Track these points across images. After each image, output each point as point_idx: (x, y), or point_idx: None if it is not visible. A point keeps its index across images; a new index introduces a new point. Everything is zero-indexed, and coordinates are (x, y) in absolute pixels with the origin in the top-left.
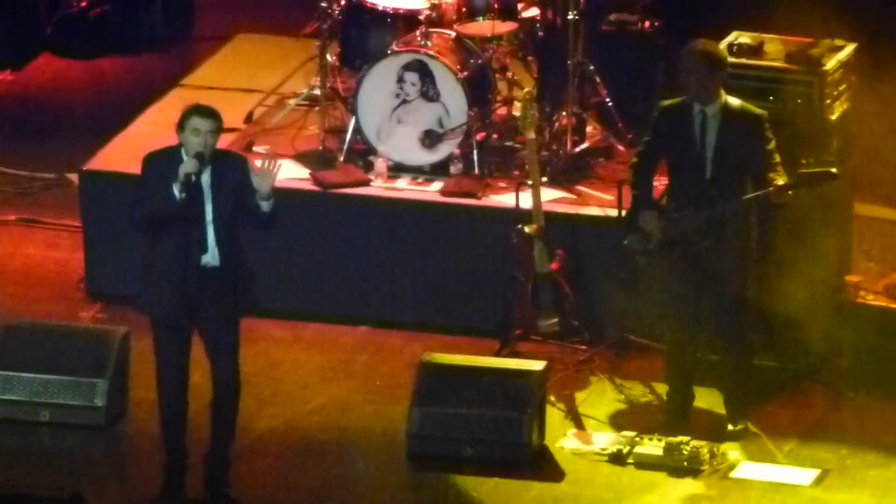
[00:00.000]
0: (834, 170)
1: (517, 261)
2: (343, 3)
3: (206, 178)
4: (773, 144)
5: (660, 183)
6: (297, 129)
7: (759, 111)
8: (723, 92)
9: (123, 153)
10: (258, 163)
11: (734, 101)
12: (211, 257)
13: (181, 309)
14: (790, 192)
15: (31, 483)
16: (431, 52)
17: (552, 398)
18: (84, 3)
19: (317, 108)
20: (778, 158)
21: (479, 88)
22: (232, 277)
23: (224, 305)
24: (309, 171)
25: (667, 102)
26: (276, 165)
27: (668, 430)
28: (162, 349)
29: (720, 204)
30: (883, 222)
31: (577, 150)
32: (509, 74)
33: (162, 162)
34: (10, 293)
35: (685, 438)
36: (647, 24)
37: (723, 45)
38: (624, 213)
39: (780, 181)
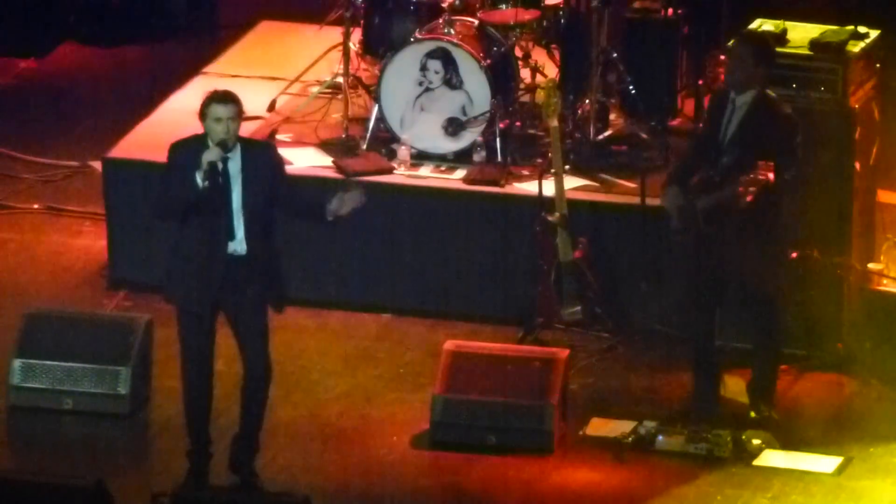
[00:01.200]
0: (772, 176)
1: (540, 249)
2: None
3: (233, 166)
4: (792, 146)
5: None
6: (321, 117)
7: (788, 112)
8: (764, 88)
9: (146, 141)
10: (349, 195)
11: (771, 97)
12: (238, 246)
13: (205, 296)
14: (749, 199)
15: (54, 471)
16: (454, 40)
17: (575, 386)
18: None
19: (340, 96)
20: (792, 161)
21: (502, 76)
22: (260, 266)
23: (252, 293)
24: (332, 158)
25: (721, 84)
26: (362, 201)
27: (694, 418)
28: (186, 336)
29: (718, 192)
30: None
31: (601, 137)
32: (532, 62)
33: (187, 150)
34: (34, 281)
35: (707, 427)
36: (670, 11)
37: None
38: (649, 200)
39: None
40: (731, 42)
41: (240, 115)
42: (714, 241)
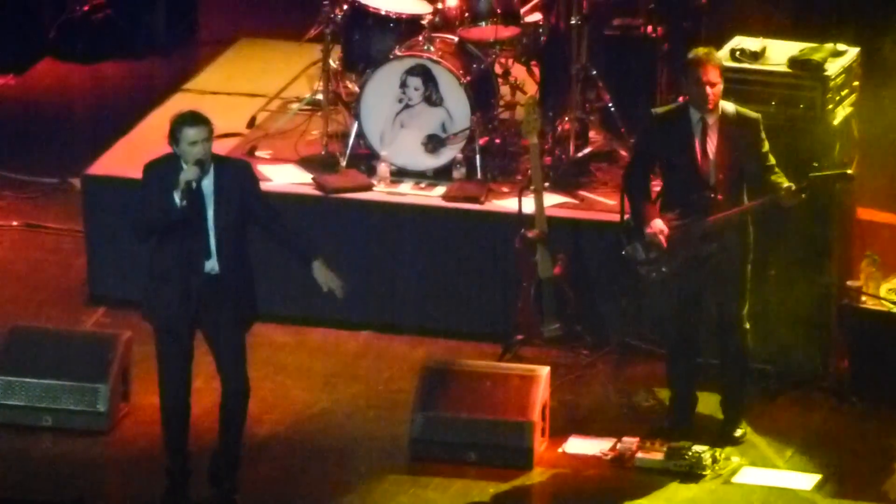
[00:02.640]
0: (850, 171)
1: (520, 266)
2: (346, 7)
3: (207, 185)
4: (766, 147)
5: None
6: (300, 134)
7: (754, 115)
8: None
9: (126, 158)
10: (330, 282)
11: (729, 107)
12: (213, 264)
13: (183, 315)
14: (803, 195)
15: (33, 488)
16: (434, 57)
17: (555, 403)
18: (87, 7)
19: (319, 113)
20: (773, 160)
21: (482, 93)
22: (234, 284)
23: (228, 312)
24: (312, 175)
25: (661, 110)
26: (342, 291)
27: (670, 434)
28: (164, 354)
29: (726, 209)
30: (885, 227)
31: (580, 154)
32: (512, 79)
33: (162, 170)
34: (13, 298)
35: (687, 443)
36: (650, 28)
37: (725, 49)
38: (624, 221)
39: (785, 184)
40: (693, 63)
41: (212, 135)
42: (714, 259)
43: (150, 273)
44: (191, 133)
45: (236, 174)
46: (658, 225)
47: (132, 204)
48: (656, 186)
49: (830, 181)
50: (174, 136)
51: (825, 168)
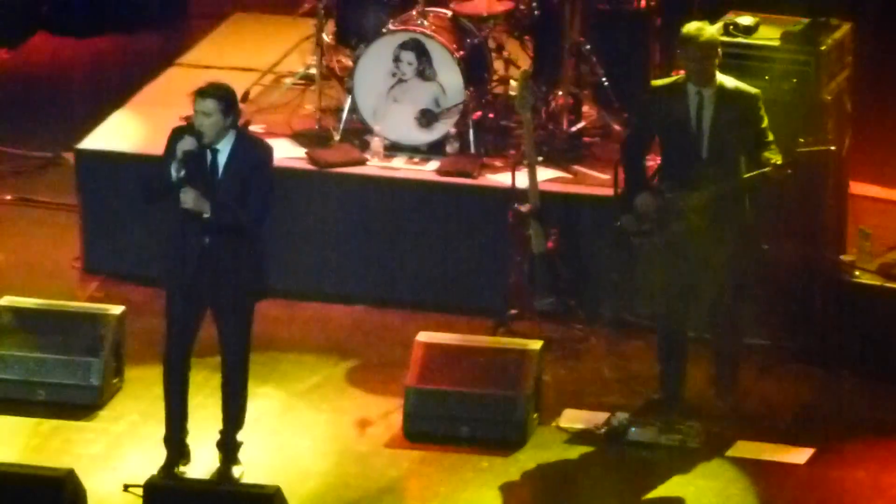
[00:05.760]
0: (833, 147)
1: (513, 240)
2: None
3: (222, 158)
4: (765, 123)
5: (654, 162)
6: (294, 109)
7: (753, 90)
8: (717, 71)
9: (119, 132)
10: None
11: (729, 81)
12: (209, 237)
13: (180, 280)
14: (789, 171)
15: (25, 461)
16: (428, 31)
17: (548, 377)
18: None
19: (313, 88)
20: (771, 137)
21: (475, 68)
22: (228, 258)
23: (226, 287)
24: (305, 150)
25: (660, 82)
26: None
27: (662, 409)
28: (170, 311)
29: (718, 183)
30: (877, 201)
31: (573, 129)
32: (505, 54)
33: (180, 136)
34: (6, 272)
35: (679, 418)
36: (643, 3)
37: (718, 24)
38: (619, 192)
39: (777, 160)
40: (689, 40)
41: (220, 112)
42: (706, 233)
43: (164, 234)
44: (196, 103)
45: (250, 156)
46: (646, 196)
47: (126, 174)
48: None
49: (815, 156)
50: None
51: (810, 144)
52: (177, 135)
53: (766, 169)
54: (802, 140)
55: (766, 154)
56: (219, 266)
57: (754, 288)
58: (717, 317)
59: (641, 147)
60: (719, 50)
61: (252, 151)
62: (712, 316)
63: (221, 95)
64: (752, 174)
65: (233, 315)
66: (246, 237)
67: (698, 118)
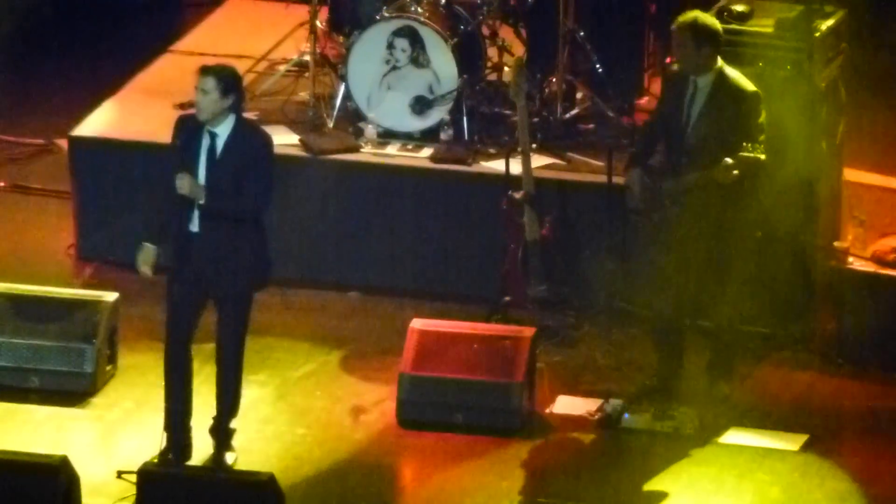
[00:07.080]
0: (762, 157)
1: (507, 227)
2: None
3: (220, 143)
4: (759, 120)
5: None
6: (288, 96)
7: (751, 89)
8: (720, 63)
9: (113, 119)
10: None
11: (731, 74)
12: (197, 224)
13: (175, 263)
14: (735, 172)
15: (19, 448)
16: (421, 18)
17: (542, 364)
18: None
19: (307, 75)
20: (760, 136)
21: (469, 55)
22: (233, 248)
23: (226, 275)
24: (299, 136)
25: (675, 67)
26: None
27: (657, 395)
28: (171, 293)
29: (690, 174)
30: (871, 188)
31: (567, 116)
32: (499, 41)
33: (183, 125)
34: None
35: (674, 404)
36: None
37: (714, 10)
38: (618, 178)
39: (731, 162)
40: (673, 27)
41: (218, 91)
42: (679, 222)
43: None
44: (197, 80)
45: (249, 143)
46: (636, 173)
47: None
48: None
49: (748, 164)
50: None
51: (751, 150)
52: (181, 123)
53: (713, 170)
54: (747, 145)
55: (741, 153)
56: (218, 253)
57: (739, 277)
58: (712, 303)
59: (652, 127)
60: (702, 39)
61: (252, 139)
62: (699, 304)
63: (222, 75)
64: (700, 174)
65: (230, 302)
66: (245, 224)
67: (689, 107)
